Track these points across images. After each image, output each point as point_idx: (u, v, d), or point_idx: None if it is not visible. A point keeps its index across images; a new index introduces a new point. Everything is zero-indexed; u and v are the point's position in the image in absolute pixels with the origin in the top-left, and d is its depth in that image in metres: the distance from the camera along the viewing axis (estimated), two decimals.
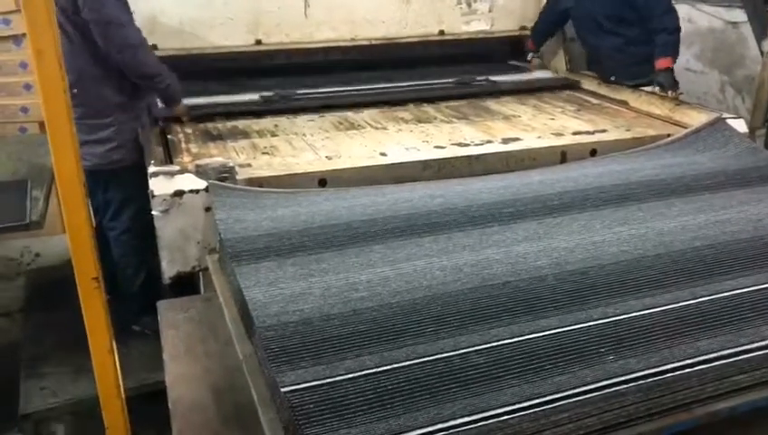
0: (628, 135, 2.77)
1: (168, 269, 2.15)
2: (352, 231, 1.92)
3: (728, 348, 1.46)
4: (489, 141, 2.69)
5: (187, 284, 2.30)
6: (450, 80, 3.61)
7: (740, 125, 2.73)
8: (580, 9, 3.58)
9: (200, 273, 2.20)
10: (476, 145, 2.65)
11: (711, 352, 1.44)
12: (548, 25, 3.83)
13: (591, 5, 3.50)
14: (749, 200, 2.13)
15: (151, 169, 2.22)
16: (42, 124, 3.56)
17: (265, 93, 3.27)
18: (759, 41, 3.69)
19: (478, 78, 3.64)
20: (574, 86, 3.65)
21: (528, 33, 3.98)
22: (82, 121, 2.79)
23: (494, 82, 3.63)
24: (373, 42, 3.70)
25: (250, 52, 3.50)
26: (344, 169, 2.40)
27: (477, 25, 3.91)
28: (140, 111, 2.92)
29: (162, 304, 2.06)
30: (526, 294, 1.64)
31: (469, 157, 2.54)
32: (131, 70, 2.76)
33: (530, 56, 3.95)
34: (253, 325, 1.53)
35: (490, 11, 3.91)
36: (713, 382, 1.38)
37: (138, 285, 3.07)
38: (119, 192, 2.92)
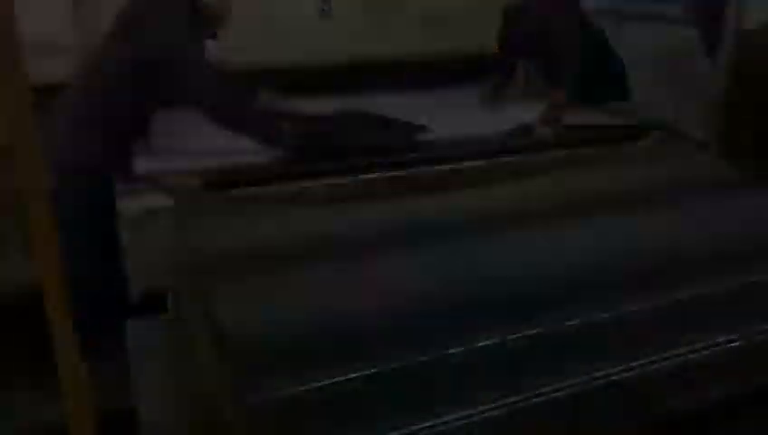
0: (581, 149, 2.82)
1: (137, 288, 2.13)
2: (321, 248, 1.94)
3: (689, 347, 1.52)
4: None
5: (155, 303, 2.29)
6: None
7: (691, 137, 2.83)
8: None
9: (169, 292, 2.19)
10: None
11: (673, 353, 1.50)
12: None
13: None
14: (701, 208, 2.21)
15: (119, 186, 2.22)
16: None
17: None
18: (709, 57, 3.83)
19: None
20: None
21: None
22: None
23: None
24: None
25: None
26: (312, 188, 2.42)
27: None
28: None
29: (132, 324, 2.05)
30: (493, 305, 1.68)
31: (437, 174, 2.58)
32: None
33: None
34: (222, 342, 1.54)
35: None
36: (675, 382, 1.44)
37: (98, 303, 3.04)
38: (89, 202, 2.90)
